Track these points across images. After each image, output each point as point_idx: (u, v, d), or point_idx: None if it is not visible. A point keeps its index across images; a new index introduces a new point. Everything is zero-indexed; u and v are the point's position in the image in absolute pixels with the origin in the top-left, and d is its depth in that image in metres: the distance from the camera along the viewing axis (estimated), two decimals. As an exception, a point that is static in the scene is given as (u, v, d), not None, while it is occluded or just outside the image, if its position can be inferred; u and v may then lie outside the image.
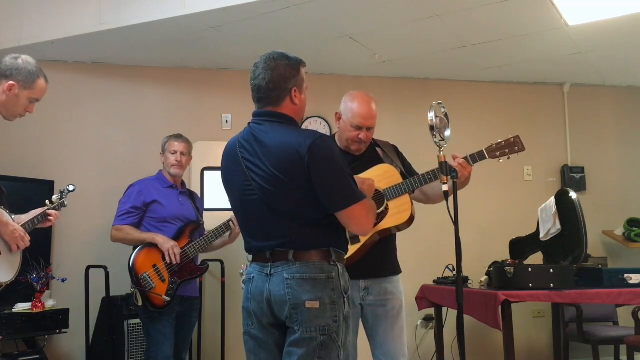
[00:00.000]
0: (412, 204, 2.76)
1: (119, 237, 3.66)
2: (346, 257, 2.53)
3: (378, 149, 2.91)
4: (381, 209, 2.70)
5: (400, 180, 2.75)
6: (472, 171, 2.67)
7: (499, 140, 2.76)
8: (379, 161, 2.84)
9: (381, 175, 2.76)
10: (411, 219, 2.72)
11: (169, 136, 3.84)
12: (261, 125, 2.16)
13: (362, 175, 2.66)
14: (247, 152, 2.15)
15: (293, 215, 2.10)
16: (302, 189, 2.06)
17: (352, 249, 2.63)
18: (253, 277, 2.16)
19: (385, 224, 2.71)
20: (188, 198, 3.86)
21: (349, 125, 2.76)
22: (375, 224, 2.66)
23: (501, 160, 2.75)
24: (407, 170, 2.88)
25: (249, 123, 2.21)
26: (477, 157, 2.71)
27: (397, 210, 2.72)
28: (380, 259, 2.79)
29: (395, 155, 2.92)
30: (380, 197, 2.71)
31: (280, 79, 2.13)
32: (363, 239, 2.68)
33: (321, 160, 2.05)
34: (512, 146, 2.75)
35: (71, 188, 2.96)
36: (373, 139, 2.89)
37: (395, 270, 2.88)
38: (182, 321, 3.65)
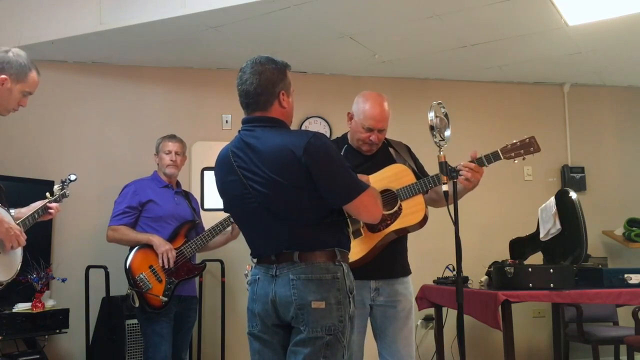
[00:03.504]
0: (425, 204, 2.69)
1: (115, 237, 3.66)
2: (359, 257, 2.53)
3: (390, 149, 2.88)
4: (394, 209, 2.66)
5: (413, 180, 2.69)
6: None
7: (514, 141, 2.69)
8: (392, 161, 2.81)
9: (394, 175, 2.72)
10: (424, 220, 2.66)
11: (163, 137, 3.86)
12: (252, 131, 2.16)
13: (375, 175, 2.65)
14: (242, 160, 2.14)
15: (295, 216, 2.10)
16: (301, 189, 2.06)
17: (364, 249, 2.60)
18: (258, 278, 2.16)
19: (399, 224, 2.65)
20: (183, 198, 3.86)
21: (360, 126, 2.74)
22: (388, 224, 2.64)
23: (516, 161, 2.69)
24: (419, 171, 2.85)
25: (239, 131, 2.21)
26: (492, 157, 2.65)
27: (411, 210, 2.66)
28: (392, 259, 2.77)
29: (407, 155, 2.89)
30: (393, 197, 2.68)
31: (268, 83, 2.14)
32: (374, 240, 2.63)
33: (319, 158, 2.06)
34: (527, 147, 2.68)
35: (72, 177, 2.92)
36: (386, 139, 2.86)
37: (406, 271, 2.86)
38: (180, 321, 3.64)
